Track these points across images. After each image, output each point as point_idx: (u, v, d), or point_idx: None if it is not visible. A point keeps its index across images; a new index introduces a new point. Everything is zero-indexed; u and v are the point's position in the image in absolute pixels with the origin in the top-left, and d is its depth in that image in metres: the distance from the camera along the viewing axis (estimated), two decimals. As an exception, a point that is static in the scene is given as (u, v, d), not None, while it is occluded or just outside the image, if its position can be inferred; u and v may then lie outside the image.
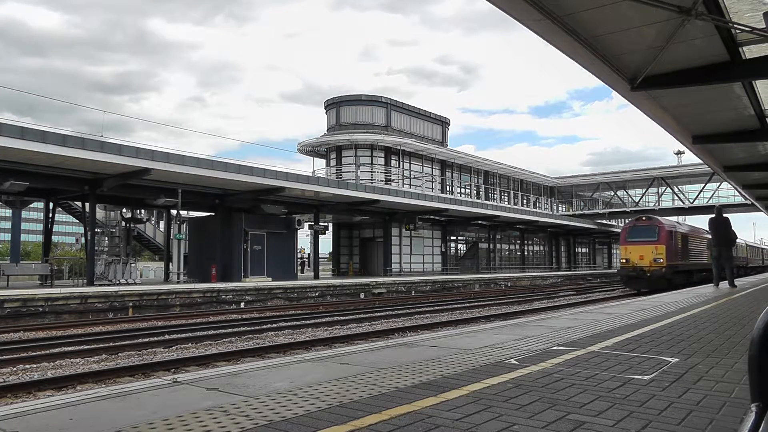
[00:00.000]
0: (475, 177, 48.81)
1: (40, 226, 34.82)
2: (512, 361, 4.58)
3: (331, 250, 45.02)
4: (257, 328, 13.11)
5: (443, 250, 41.64)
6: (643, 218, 27.53)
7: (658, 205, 51.38)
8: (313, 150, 42.76)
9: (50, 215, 26.20)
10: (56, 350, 10.15)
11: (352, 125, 41.05)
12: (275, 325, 13.57)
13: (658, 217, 28.54)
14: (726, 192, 44.96)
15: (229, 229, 26.87)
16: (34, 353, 9.74)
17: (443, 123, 47.07)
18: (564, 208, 58.50)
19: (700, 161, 20.92)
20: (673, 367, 4.28)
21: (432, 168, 43.72)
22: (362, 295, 25.96)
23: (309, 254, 43.11)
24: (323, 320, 14.95)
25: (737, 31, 8.45)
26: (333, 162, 40.68)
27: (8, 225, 47.72)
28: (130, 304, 18.30)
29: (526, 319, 8.71)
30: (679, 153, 53.44)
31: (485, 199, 47.64)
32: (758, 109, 12.21)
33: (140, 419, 2.87)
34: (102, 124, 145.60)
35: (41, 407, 3.19)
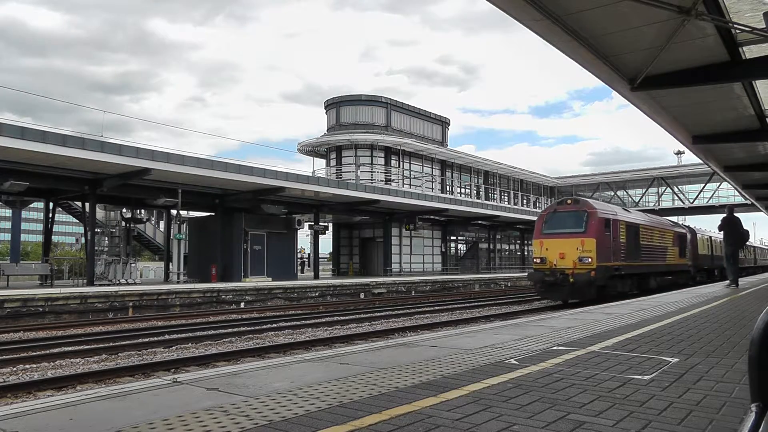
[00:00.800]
0: (475, 177, 48.81)
1: (40, 226, 34.84)
2: (512, 361, 4.58)
3: (331, 250, 45.05)
4: (257, 328, 13.10)
5: (443, 250, 41.63)
6: (568, 200, 19.33)
7: (658, 205, 51.39)
8: (313, 150, 42.76)
9: (50, 215, 26.20)
10: (56, 350, 10.15)
11: (352, 125, 41.05)
12: (275, 325, 13.57)
13: (591, 200, 20.36)
14: (726, 192, 44.98)
15: (229, 229, 26.87)
16: (34, 353, 9.74)
17: (443, 123, 47.07)
18: (564, 208, 58.41)
19: (700, 161, 20.90)
20: (673, 367, 4.28)
21: (432, 168, 43.72)
22: (362, 295, 25.96)
23: (309, 254, 43.13)
24: (323, 320, 14.95)
25: (737, 31, 8.45)
26: (333, 162, 40.68)
27: (8, 225, 47.75)
28: (130, 304, 18.30)
29: (526, 319, 8.71)
30: (679, 153, 53.45)
31: (485, 199, 47.62)
32: (758, 109, 12.21)
33: (140, 419, 2.87)
34: (102, 124, 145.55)
35: (41, 407, 3.19)
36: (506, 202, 50.88)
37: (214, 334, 11.96)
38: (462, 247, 46.40)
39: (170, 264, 27.21)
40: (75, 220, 34.29)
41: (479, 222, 42.31)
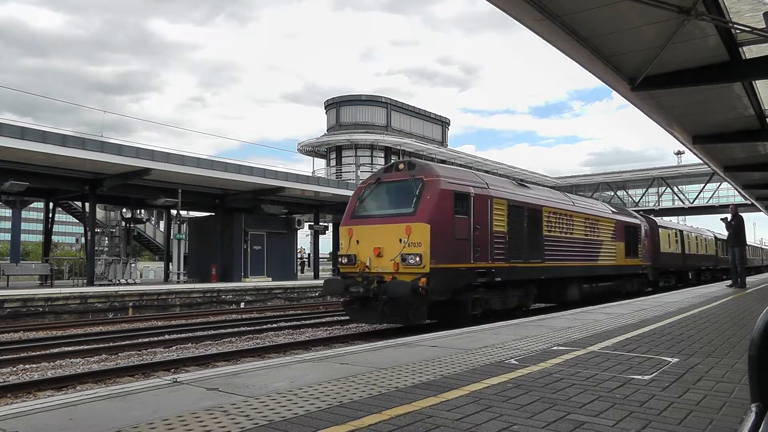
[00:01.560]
0: (475, 177, 48.79)
1: (40, 226, 34.85)
2: (512, 361, 4.58)
3: (330, 250, 45.05)
4: (257, 328, 13.10)
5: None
6: (400, 165, 12.02)
7: (658, 205, 51.40)
8: (313, 150, 42.81)
9: (50, 215, 26.21)
10: (56, 350, 10.15)
11: (352, 125, 41.08)
12: (275, 325, 13.56)
13: (438, 166, 13.01)
14: (726, 192, 44.99)
15: (229, 229, 26.88)
16: (34, 353, 9.74)
17: (443, 123, 47.09)
18: (564, 208, 58.43)
19: (700, 161, 20.90)
20: (673, 367, 4.28)
21: (432, 168, 43.68)
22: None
23: (309, 254, 43.13)
24: (323, 320, 14.94)
25: (737, 31, 8.45)
26: (333, 162, 40.72)
27: (8, 225, 47.72)
28: (130, 304, 18.29)
29: (526, 319, 8.71)
30: (679, 153, 53.48)
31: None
32: (758, 109, 12.21)
33: (140, 419, 2.87)
34: (102, 124, 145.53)
35: (41, 407, 3.19)
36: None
37: (214, 334, 11.96)
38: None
39: (170, 264, 27.22)
40: (75, 220, 34.32)
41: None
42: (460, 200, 11.05)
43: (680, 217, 47.03)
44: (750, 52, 9.23)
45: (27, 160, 18.25)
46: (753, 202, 32.77)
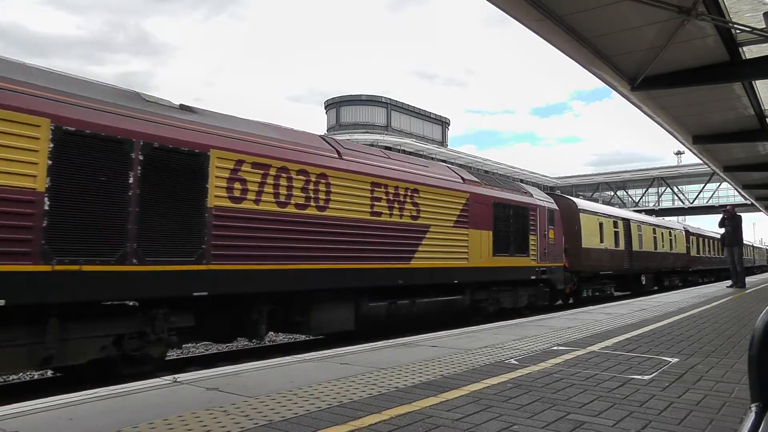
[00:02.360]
0: (475, 177, 48.86)
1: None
2: (512, 361, 4.58)
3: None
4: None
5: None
6: None
7: (658, 205, 51.42)
8: (313, 150, 42.80)
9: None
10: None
11: (352, 125, 41.11)
12: (275, 325, 13.54)
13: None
14: (726, 192, 45.02)
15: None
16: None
17: (443, 123, 47.12)
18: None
19: (700, 161, 20.91)
20: (673, 367, 4.28)
21: (432, 168, 43.74)
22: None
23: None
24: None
25: (737, 31, 8.46)
26: (333, 162, 40.73)
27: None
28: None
29: (526, 319, 8.71)
30: (679, 153, 53.54)
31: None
32: (758, 109, 12.22)
33: (140, 419, 2.87)
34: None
35: (41, 407, 3.19)
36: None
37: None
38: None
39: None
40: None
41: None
42: None
43: (680, 217, 47.03)
44: (750, 52, 9.23)
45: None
46: (753, 201, 32.78)
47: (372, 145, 39.17)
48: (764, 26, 7.69)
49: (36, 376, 8.02)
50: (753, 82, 10.71)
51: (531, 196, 13.64)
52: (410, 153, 41.34)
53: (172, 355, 8.64)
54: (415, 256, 9.58)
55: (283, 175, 7.46)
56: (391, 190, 9.22)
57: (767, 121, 13.25)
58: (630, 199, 54.65)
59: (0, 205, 4.98)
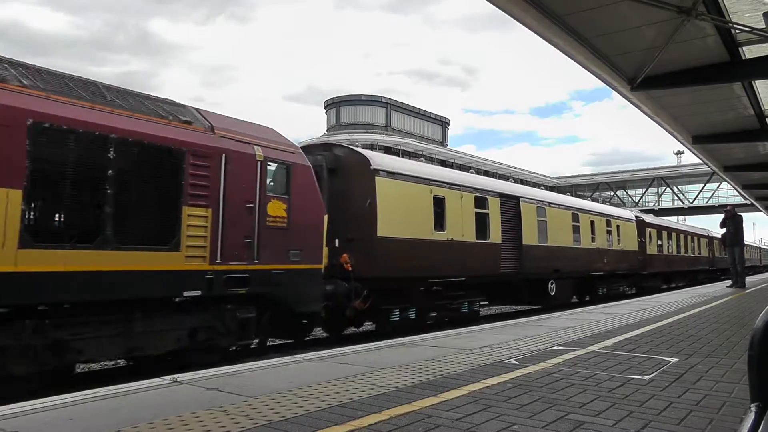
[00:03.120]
0: (474, 177, 48.90)
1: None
2: (512, 360, 4.58)
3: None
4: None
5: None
6: None
7: (658, 204, 51.44)
8: (312, 150, 42.83)
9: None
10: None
11: (351, 125, 41.13)
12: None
13: None
14: (726, 192, 45.05)
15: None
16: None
17: (443, 123, 47.15)
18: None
19: (700, 161, 20.90)
20: (673, 367, 4.28)
21: (432, 168, 43.77)
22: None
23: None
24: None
25: (737, 31, 8.46)
26: (333, 162, 40.73)
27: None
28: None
29: (525, 319, 8.71)
30: (678, 153, 53.58)
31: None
32: (758, 109, 12.22)
33: (140, 419, 2.87)
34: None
35: (41, 407, 3.19)
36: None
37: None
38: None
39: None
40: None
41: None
42: None
43: (680, 217, 47.06)
44: (750, 52, 9.23)
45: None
46: (752, 202, 32.77)
47: (372, 146, 39.24)
48: (764, 26, 7.69)
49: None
50: (753, 82, 10.70)
51: (191, 125, 6.95)
52: (410, 153, 41.36)
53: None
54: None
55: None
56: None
57: (767, 121, 13.25)
58: (630, 199, 54.66)
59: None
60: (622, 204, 54.54)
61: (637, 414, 2.96)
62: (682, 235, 26.94)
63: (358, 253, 9.51)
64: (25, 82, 5.74)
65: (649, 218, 23.97)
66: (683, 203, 50.92)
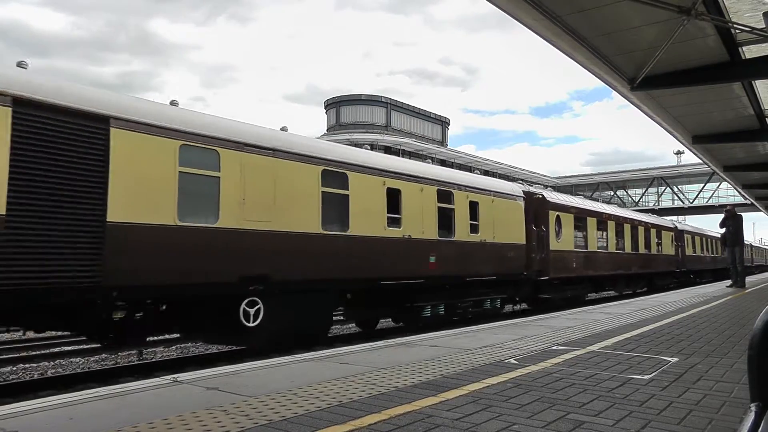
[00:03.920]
0: (474, 177, 48.90)
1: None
2: (512, 360, 4.58)
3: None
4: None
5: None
6: None
7: (658, 204, 51.44)
8: (312, 150, 42.83)
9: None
10: (56, 350, 10.15)
11: (351, 125, 41.13)
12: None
13: None
14: (726, 192, 45.04)
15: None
16: (34, 353, 9.74)
17: (443, 123, 47.14)
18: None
19: (700, 161, 20.90)
20: (673, 367, 4.28)
21: (432, 168, 43.76)
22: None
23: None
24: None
25: (737, 31, 8.46)
26: (333, 162, 40.73)
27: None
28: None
29: (525, 318, 8.71)
30: (678, 153, 53.56)
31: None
32: (758, 109, 12.22)
33: (140, 419, 2.87)
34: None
35: (41, 407, 3.19)
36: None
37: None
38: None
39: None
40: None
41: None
42: None
43: (680, 217, 47.07)
44: (750, 52, 9.23)
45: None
46: (752, 201, 32.78)
47: (372, 146, 39.22)
48: (764, 26, 7.69)
49: (36, 376, 8.02)
50: (753, 82, 10.70)
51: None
52: (410, 153, 41.36)
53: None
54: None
55: None
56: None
57: (767, 121, 13.25)
58: (630, 198, 54.66)
59: None
60: (622, 204, 54.59)
61: (637, 414, 2.96)
62: (626, 225, 20.95)
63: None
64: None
65: (554, 196, 17.49)
66: (683, 203, 50.93)
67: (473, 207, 12.68)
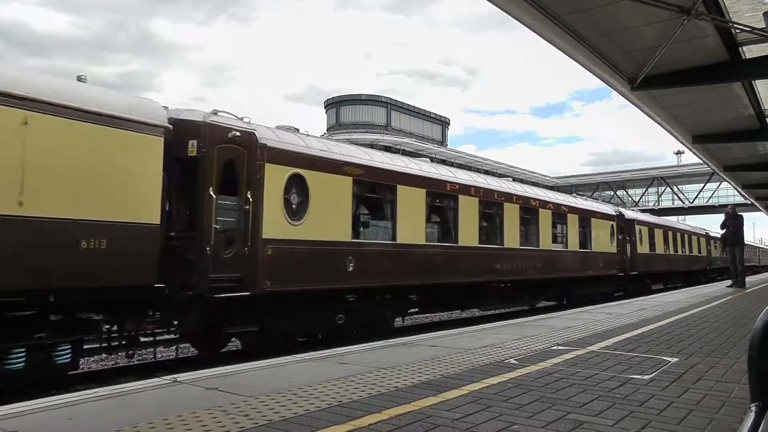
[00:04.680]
0: (474, 177, 48.89)
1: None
2: (512, 360, 4.58)
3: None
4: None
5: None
6: None
7: (658, 204, 51.43)
8: (312, 150, 42.83)
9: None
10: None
11: (351, 125, 41.13)
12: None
13: None
14: (726, 192, 45.01)
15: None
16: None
17: (443, 123, 47.14)
18: (564, 208, 58.49)
19: (700, 161, 20.89)
20: (673, 367, 4.28)
21: (432, 168, 43.75)
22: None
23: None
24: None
25: (737, 31, 8.46)
26: (333, 162, 40.74)
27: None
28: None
29: (525, 318, 8.71)
30: (678, 153, 53.55)
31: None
32: (758, 108, 12.21)
33: (140, 419, 2.87)
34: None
35: (41, 407, 3.19)
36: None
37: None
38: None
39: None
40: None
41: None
42: None
43: (680, 217, 47.06)
44: (750, 52, 9.23)
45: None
46: (752, 201, 32.77)
47: (372, 146, 39.24)
48: (764, 26, 7.68)
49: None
50: (753, 81, 10.70)
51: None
52: (410, 152, 41.37)
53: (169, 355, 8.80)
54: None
55: None
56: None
57: (767, 121, 13.25)
58: (630, 198, 54.66)
59: None
60: (622, 203, 54.58)
61: (637, 414, 2.96)
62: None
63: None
64: None
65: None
66: (683, 203, 50.91)
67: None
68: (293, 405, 3.15)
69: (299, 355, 5.15)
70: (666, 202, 52.24)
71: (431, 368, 4.25)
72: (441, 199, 11.97)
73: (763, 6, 7.56)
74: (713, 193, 48.11)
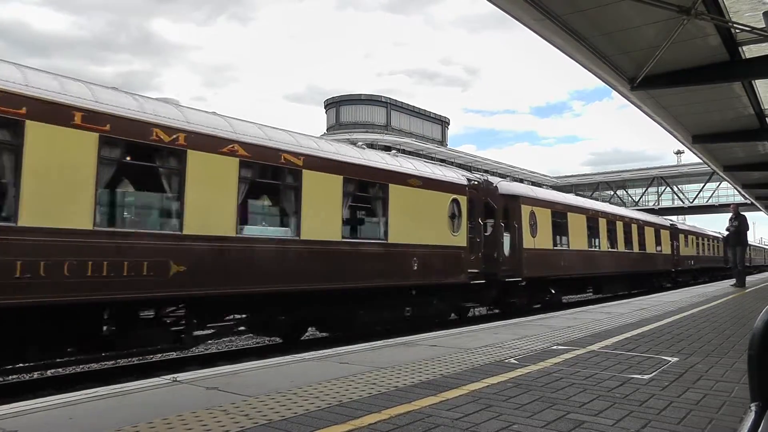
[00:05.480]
0: (474, 176, 48.90)
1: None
2: (512, 360, 4.58)
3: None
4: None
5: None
6: None
7: (658, 204, 51.44)
8: (312, 149, 42.83)
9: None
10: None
11: (351, 125, 41.13)
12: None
13: None
14: (726, 191, 45.01)
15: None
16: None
17: (443, 122, 47.15)
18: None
19: (700, 161, 20.91)
20: (673, 367, 4.28)
21: (432, 167, 43.75)
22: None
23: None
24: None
25: (737, 31, 8.46)
26: (333, 161, 40.72)
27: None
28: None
29: (525, 318, 8.71)
30: (678, 153, 53.58)
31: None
32: (758, 108, 12.22)
33: (140, 419, 2.87)
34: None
35: (41, 407, 3.19)
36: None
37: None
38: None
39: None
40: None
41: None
42: None
43: (680, 217, 47.06)
44: (750, 51, 9.23)
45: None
46: (753, 201, 32.78)
47: (372, 145, 39.24)
48: (764, 26, 7.69)
49: (36, 376, 8.01)
50: (753, 81, 10.70)
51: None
52: (410, 152, 41.38)
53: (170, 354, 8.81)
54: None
55: None
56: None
57: (767, 121, 13.25)
58: (630, 198, 54.66)
59: None
60: (622, 203, 54.59)
61: (637, 413, 2.96)
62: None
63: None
64: None
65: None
66: (683, 203, 50.93)
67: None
68: (293, 405, 3.15)
69: (299, 355, 5.15)
70: (666, 202, 52.25)
71: (431, 368, 4.25)
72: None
73: (763, 6, 7.57)
74: (713, 193, 48.13)
